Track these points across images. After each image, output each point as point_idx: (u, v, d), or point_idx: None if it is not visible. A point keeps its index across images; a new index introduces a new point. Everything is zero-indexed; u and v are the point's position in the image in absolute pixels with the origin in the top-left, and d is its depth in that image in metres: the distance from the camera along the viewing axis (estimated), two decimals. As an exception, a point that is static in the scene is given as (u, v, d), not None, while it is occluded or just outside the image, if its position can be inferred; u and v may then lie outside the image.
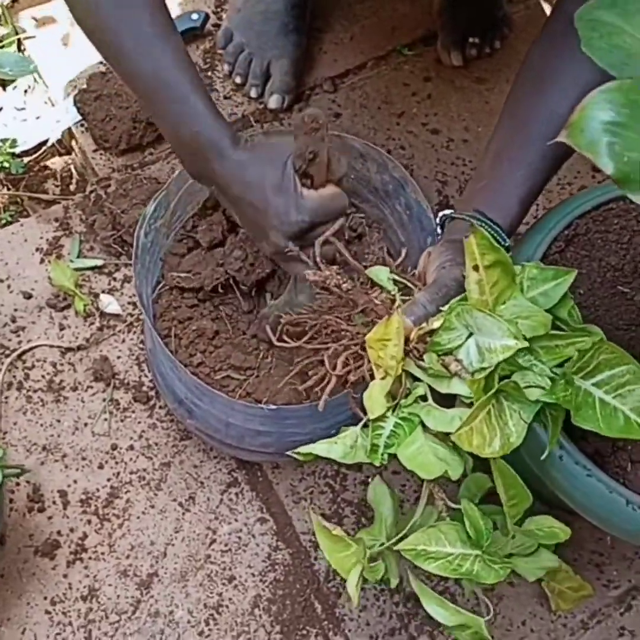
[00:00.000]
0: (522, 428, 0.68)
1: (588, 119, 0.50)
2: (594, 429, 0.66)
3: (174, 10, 1.33)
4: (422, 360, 0.70)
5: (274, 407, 0.89)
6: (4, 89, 1.27)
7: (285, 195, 0.81)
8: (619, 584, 1.01)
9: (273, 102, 1.26)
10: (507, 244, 0.80)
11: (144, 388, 1.08)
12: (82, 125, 1.24)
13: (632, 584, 1.01)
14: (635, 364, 0.66)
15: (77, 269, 1.13)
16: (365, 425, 0.72)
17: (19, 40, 1.29)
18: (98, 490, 1.02)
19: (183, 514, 1.01)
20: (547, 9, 1.40)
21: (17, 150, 1.23)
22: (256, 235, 0.87)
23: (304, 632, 0.97)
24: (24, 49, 1.30)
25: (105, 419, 1.06)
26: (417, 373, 0.70)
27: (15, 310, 1.11)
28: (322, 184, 0.83)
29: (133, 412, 1.06)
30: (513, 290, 0.69)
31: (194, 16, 1.31)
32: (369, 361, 0.71)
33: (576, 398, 0.67)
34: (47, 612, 0.96)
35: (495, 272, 0.69)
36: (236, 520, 1.01)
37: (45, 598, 0.97)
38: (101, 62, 1.28)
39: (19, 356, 1.08)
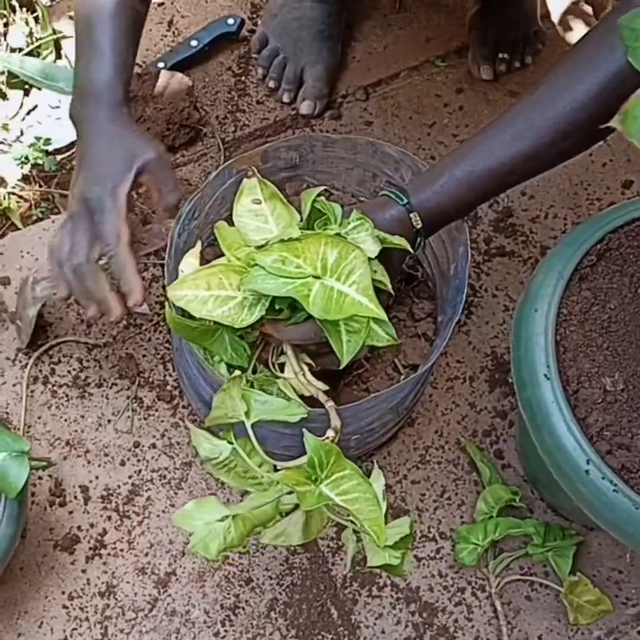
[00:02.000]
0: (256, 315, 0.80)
1: None
2: (331, 317, 0.77)
3: (211, 15, 1.34)
4: None
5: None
6: (39, 88, 1.28)
7: (100, 209, 0.87)
8: (637, 602, 1.00)
9: (305, 108, 1.27)
10: (403, 202, 0.84)
11: (168, 387, 1.08)
12: (115, 125, 1.25)
13: (651, 603, 1.01)
14: (359, 249, 0.78)
15: (106, 267, 1.14)
16: None
17: (57, 41, 1.30)
18: (119, 486, 1.03)
19: (203, 514, 1.02)
20: (576, 25, 1.40)
21: (51, 148, 1.23)
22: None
23: (319, 637, 0.97)
24: (61, 49, 1.31)
25: (129, 417, 1.06)
26: None
27: (44, 305, 1.12)
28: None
29: (156, 410, 1.07)
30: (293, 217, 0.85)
31: (230, 21, 1.32)
32: None
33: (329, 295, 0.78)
34: (65, 606, 0.97)
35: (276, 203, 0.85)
36: (255, 522, 1.01)
37: (63, 593, 0.97)
38: (138, 65, 1.29)
39: (46, 351, 1.09)
